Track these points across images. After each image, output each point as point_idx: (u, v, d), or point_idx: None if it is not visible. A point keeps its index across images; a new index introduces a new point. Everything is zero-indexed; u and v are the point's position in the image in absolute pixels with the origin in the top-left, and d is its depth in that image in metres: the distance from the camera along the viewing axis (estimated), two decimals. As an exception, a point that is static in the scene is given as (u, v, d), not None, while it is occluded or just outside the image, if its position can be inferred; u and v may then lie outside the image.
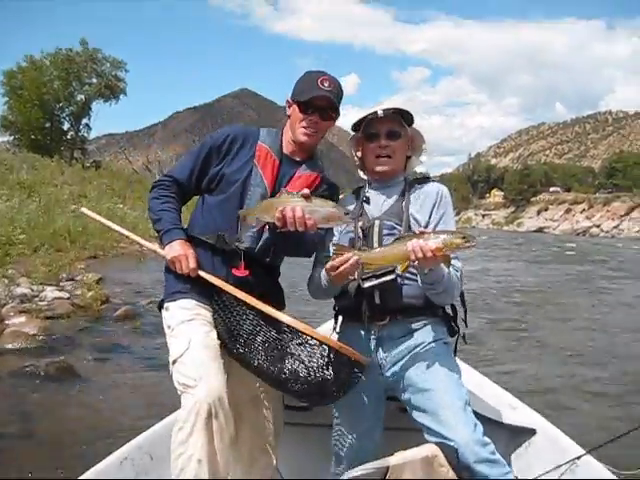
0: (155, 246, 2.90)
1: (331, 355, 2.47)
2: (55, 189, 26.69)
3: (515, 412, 3.44)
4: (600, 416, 6.86)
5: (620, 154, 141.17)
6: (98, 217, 3.18)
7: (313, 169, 2.97)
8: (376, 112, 2.89)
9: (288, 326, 2.51)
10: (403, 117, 2.97)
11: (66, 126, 50.57)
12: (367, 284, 2.74)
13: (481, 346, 8.98)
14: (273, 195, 2.81)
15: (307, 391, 2.51)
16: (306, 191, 2.61)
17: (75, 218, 20.76)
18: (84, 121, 51.29)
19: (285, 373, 2.51)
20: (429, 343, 2.80)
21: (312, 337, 2.47)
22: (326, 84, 2.83)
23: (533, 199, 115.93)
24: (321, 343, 2.46)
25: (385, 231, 2.83)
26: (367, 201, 2.99)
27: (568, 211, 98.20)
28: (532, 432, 3.32)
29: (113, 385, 7.01)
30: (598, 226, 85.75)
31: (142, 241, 3.00)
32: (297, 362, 2.48)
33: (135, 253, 19.87)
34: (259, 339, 2.54)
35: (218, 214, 2.88)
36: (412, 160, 3.13)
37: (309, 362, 2.45)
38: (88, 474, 2.65)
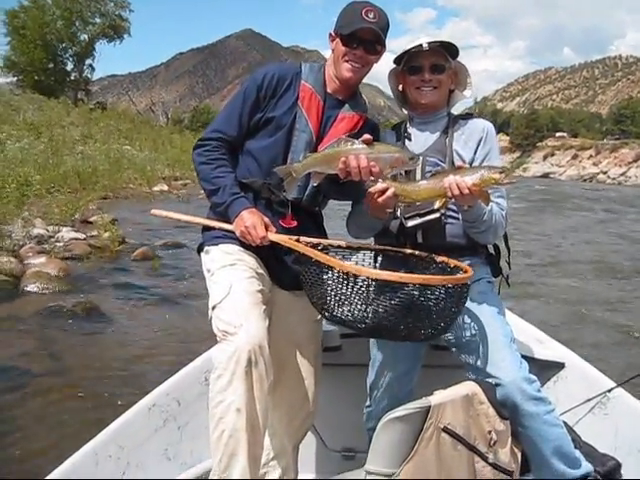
0: (222, 224, 2.69)
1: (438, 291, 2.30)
2: (62, 130, 26.54)
3: (543, 346, 3.37)
4: (631, 352, 6.92)
5: (629, 100, 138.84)
6: (168, 213, 2.98)
7: (356, 109, 2.82)
8: (420, 45, 2.75)
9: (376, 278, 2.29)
10: (447, 50, 2.84)
11: (69, 67, 50.32)
12: (410, 223, 2.67)
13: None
14: (318, 139, 2.71)
15: (438, 331, 2.39)
16: (369, 137, 2.48)
17: (84, 159, 20.75)
18: (88, 62, 50.98)
19: (410, 323, 2.33)
20: (473, 282, 2.68)
21: (409, 282, 2.25)
22: (371, 15, 2.63)
23: (539, 144, 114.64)
24: (424, 285, 2.26)
25: (428, 168, 2.73)
26: (409, 137, 2.90)
27: (575, 157, 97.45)
28: (561, 366, 3.27)
29: (139, 325, 7.06)
30: (605, 172, 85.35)
31: (212, 223, 2.74)
32: (414, 307, 2.28)
33: (144, 194, 19.91)
34: (357, 298, 2.32)
35: (264, 160, 2.72)
36: (455, 94, 3.00)
37: (423, 303, 2.27)
38: (117, 422, 2.64)
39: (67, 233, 11.04)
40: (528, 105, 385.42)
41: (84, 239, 11.07)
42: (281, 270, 2.77)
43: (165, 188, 22.55)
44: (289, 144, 2.71)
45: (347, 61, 2.70)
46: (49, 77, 46.70)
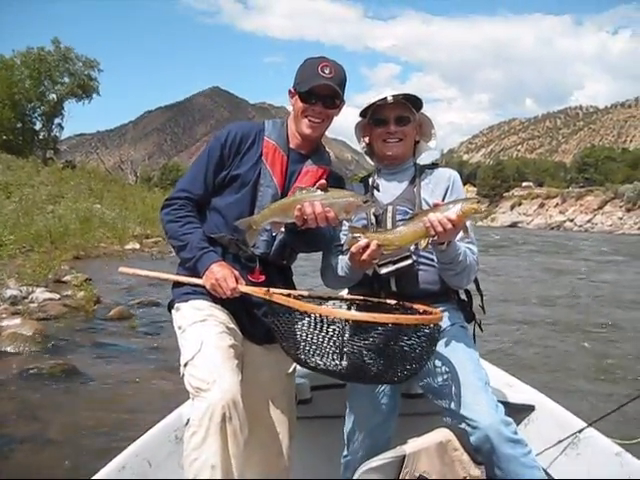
0: (193, 279, 2.70)
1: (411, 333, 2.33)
2: (32, 190, 26.37)
3: (512, 390, 3.40)
4: (598, 390, 6.98)
5: (591, 149, 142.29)
6: (136, 271, 2.98)
7: (320, 163, 2.87)
8: (385, 98, 2.85)
9: (349, 320, 2.32)
10: (411, 102, 2.93)
11: (38, 126, 50.29)
12: (384, 270, 2.70)
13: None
14: (283, 193, 2.74)
15: (409, 371, 2.39)
16: (323, 182, 2.55)
17: (55, 219, 20.59)
18: (56, 121, 51.00)
19: (384, 364, 2.34)
20: (447, 327, 2.78)
21: (382, 323, 2.27)
22: (327, 70, 2.70)
23: (506, 194, 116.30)
24: (396, 324, 2.28)
25: (399, 216, 2.79)
26: (377, 188, 2.97)
27: (542, 205, 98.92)
28: (531, 408, 3.30)
29: (117, 385, 6.92)
30: (572, 220, 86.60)
31: (182, 278, 2.75)
32: (387, 349, 2.31)
33: (116, 252, 19.76)
34: (330, 342, 2.34)
35: (230, 216, 2.74)
36: (421, 145, 3.10)
37: (395, 344, 2.30)
38: None
39: (41, 293, 10.87)
40: (494, 156, 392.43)
41: (59, 299, 10.89)
42: (252, 324, 2.78)
43: (137, 246, 22.38)
44: (254, 199, 2.75)
45: (306, 117, 2.77)
46: (17, 136, 46.72)
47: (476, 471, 2.37)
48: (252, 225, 2.60)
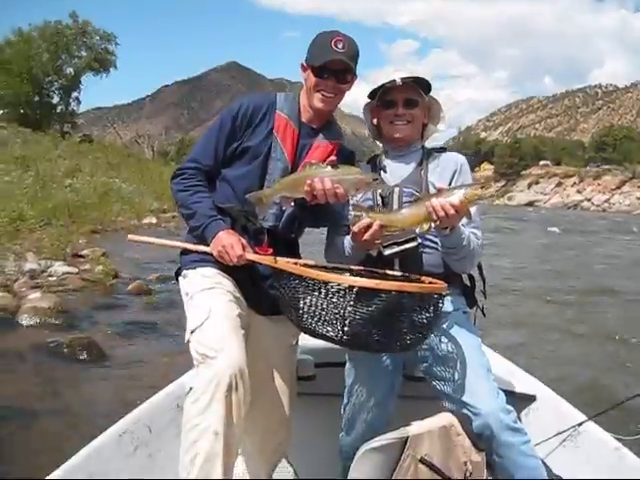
0: (201, 247, 2.72)
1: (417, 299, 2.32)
2: (50, 163, 26.45)
3: (514, 378, 3.39)
4: (601, 384, 6.96)
5: (610, 128, 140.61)
6: (146, 239, 3.00)
7: (331, 138, 2.88)
8: (394, 80, 2.84)
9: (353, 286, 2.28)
10: (420, 85, 2.93)
11: (55, 100, 50.14)
12: (388, 251, 2.71)
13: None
14: (294, 168, 2.76)
15: (413, 340, 2.37)
16: (333, 158, 2.58)
17: (72, 193, 20.68)
18: (74, 94, 50.87)
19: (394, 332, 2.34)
20: (449, 312, 2.78)
21: (386, 290, 2.25)
22: (340, 45, 2.69)
23: (523, 172, 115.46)
24: (399, 292, 2.26)
25: (405, 198, 2.80)
26: (384, 169, 2.96)
27: (559, 185, 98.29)
28: (532, 398, 3.30)
29: (136, 360, 6.99)
30: (589, 200, 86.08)
31: (189, 245, 2.78)
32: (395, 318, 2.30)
33: (134, 227, 19.83)
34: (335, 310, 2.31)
35: (240, 188, 2.77)
36: (429, 128, 3.10)
37: (397, 313, 2.29)
38: (87, 449, 2.57)
39: (60, 267, 10.95)
40: (511, 134, 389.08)
41: (77, 273, 10.98)
42: (258, 295, 2.80)
43: (154, 221, 22.47)
44: (265, 173, 2.77)
45: (319, 91, 2.77)
46: (35, 110, 46.61)
47: (477, 457, 2.39)
48: (262, 199, 2.63)
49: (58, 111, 50.18)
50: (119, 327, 8.36)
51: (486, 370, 2.61)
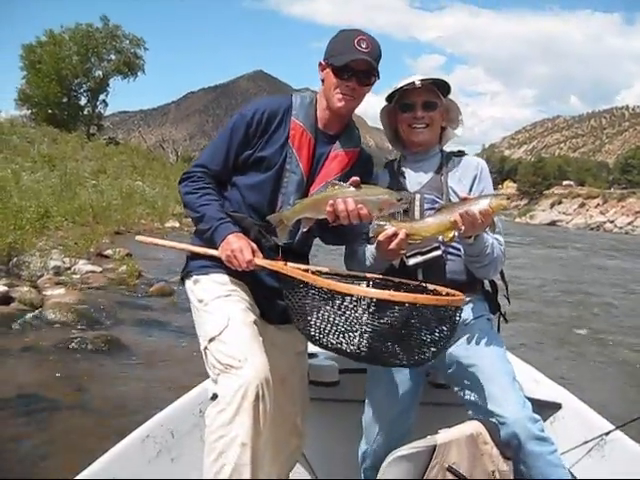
0: (209, 250, 2.63)
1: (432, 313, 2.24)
2: (76, 163, 26.72)
3: (539, 386, 3.33)
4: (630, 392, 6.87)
5: (636, 149, 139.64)
6: (153, 240, 2.98)
7: (349, 145, 2.77)
8: (413, 82, 2.77)
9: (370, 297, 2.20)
10: (439, 87, 2.86)
11: (83, 101, 50.82)
12: (412, 261, 2.68)
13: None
14: (309, 179, 2.68)
15: (426, 355, 2.30)
16: (356, 179, 2.44)
17: (97, 193, 20.87)
18: (101, 97, 51.50)
19: (412, 346, 2.26)
20: (472, 319, 2.74)
21: (399, 302, 2.18)
22: (364, 45, 2.57)
23: (546, 192, 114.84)
24: (412, 304, 2.18)
25: (426, 205, 2.74)
26: (403, 175, 2.90)
27: (582, 205, 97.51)
28: (558, 406, 3.23)
29: (158, 360, 7.02)
30: (612, 221, 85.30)
31: (197, 248, 2.69)
32: (414, 331, 2.23)
33: (157, 230, 19.95)
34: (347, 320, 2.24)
35: (252, 197, 2.69)
36: (447, 132, 3.02)
37: (411, 326, 2.21)
38: (110, 453, 2.57)
39: (84, 265, 11.10)
40: (535, 153, 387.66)
41: (101, 272, 11.10)
42: (268, 303, 2.73)
43: (177, 225, 22.58)
44: (279, 185, 2.67)
45: (340, 93, 2.65)
46: (62, 111, 47.27)
47: (504, 466, 2.34)
48: (283, 220, 2.55)
49: (85, 113, 50.82)
50: (142, 326, 8.42)
51: (512, 378, 2.55)
